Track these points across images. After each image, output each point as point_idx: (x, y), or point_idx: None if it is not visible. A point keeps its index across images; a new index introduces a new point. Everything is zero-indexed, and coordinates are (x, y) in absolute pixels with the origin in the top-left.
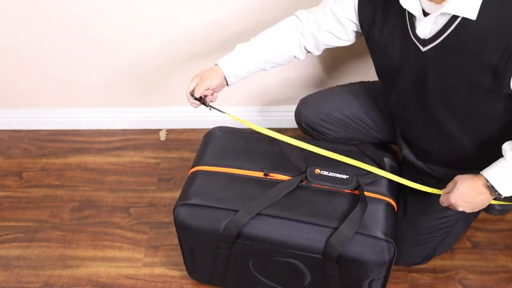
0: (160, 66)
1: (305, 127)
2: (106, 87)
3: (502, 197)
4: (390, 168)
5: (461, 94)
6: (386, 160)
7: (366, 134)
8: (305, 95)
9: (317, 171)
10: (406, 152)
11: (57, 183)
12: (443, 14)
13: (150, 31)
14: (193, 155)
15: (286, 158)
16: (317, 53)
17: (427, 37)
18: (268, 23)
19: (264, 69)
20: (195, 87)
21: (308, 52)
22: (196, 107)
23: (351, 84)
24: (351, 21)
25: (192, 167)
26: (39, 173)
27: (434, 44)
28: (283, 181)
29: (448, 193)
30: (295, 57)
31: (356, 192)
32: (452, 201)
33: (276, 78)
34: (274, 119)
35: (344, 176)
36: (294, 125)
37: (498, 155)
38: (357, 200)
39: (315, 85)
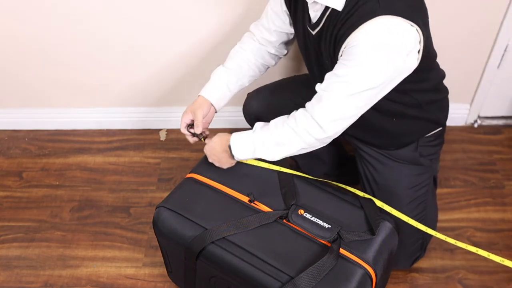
0: (160, 66)
1: (256, 121)
2: (106, 87)
3: (234, 158)
4: (385, 233)
5: None
6: (385, 224)
7: None
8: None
9: (301, 211)
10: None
11: (57, 183)
12: (321, 3)
13: (150, 31)
14: (193, 155)
15: (278, 190)
16: (284, 51)
17: (314, 22)
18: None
19: (243, 85)
20: (189, 123)
21: (275, 55)
22: (193, 142)
23: (296, 76)
24: (285, 11)
25: (190, 172)
26: (39, 173)
27: (317, 30)
28: (263, 212)
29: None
30: (268, 66)
31: (329, 244)
32: (205, 150)
33: None
34: None
35: (326, 225)
36: None
37: (410, 126)
38: (329, 254)
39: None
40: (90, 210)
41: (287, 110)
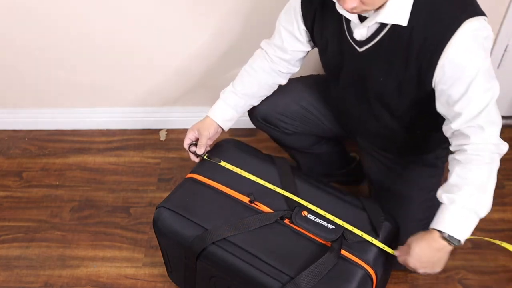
0: (160, 66)
1: (262, 122)
2: (106, 87)
3: (462, 242)
4: (386, 234)
5: (392, 92)
6: (386, 224)
7: (323, 127)
8: None
9: (304, 213)
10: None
11: (57, 183)
12: (382, 22)
13: (151, 32)
14: None
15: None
16: (296, 69)
17: (363, 39)
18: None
19: (252, 105)
20: (193, 140)
21: (287, 73)
22: (194, 160)
23: (303, 77)
24: (302, 29)
25: (190, 172)
26: (39, 173)
27: (368, 46)
28: (264, 212)
29: (402, 255)
30: (278, 84)
31: (329, 244)
32: (411, 265)
33: None
34: None
35: (330, 226)
36: None
37: (436, 141)
38: (330, 252)
39: None
40: (90, 210)
41: (291, 111)
